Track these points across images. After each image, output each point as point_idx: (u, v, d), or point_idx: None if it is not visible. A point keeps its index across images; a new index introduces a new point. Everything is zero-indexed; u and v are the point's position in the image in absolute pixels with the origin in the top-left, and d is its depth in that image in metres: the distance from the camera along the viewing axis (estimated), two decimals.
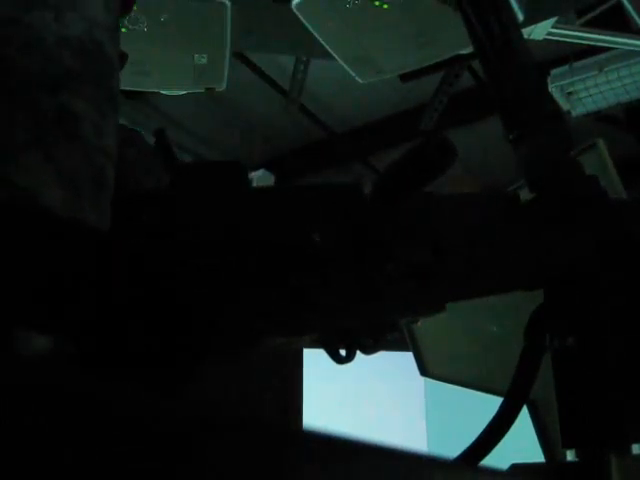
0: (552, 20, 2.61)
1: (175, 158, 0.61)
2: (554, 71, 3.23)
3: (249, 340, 0.56)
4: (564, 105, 3.27)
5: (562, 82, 3.20)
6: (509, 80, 0.74)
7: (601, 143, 1.10)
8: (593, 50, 3.13)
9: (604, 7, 2.75)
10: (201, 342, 0.52)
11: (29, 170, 0.47)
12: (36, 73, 0.50)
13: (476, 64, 3.33)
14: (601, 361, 0.69)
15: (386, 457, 0.29)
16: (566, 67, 3.20)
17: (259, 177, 4.33)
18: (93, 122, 0.52)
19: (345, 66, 2.12)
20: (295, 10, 1.86)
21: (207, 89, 2.21)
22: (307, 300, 0.57)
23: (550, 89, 3.21)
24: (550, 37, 2.72)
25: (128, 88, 2.22)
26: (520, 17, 1.84)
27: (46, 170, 0.47)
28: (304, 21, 1.90)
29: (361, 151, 4.57)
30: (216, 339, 0.53)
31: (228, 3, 1.89)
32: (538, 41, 2.63)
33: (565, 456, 0.71)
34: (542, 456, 1.19)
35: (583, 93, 3.21)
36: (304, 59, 3.46)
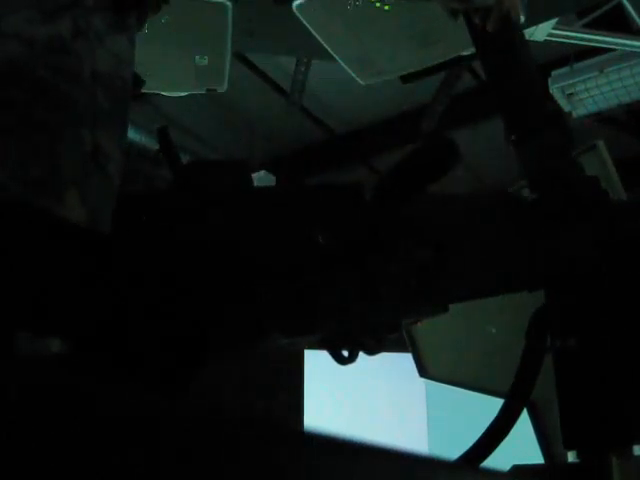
0: (553, 21, 2.60)
1: (178, 157, 0.61)
2: (555, 72, 3.23)
3: (252, 341, 0.56)
4: (565, 106, 3.26)
5: (563, 83, 3.19)
6: (511, 82, 0.75)
7: (601, 144, 1.10)
8: (594, 51, 3.13)
9: (605, 8, 2.75)
10: (203, 342, 0.51)
11: (67, 209, 0.47)
12: (81, 107, 0.50)
13: (477, 65, 3.33)
14: (602, 362, 0.69)
15: (388, 458, 0.29)
16: (567, 68, 3.20)
17: (260, 178, 4.33)
18: (117, 162, 0.52)
19: (346, 67, 2.12)
20: (296, 11, 1.86)
21: (208, 90, 2.21)
22: (310, 300, 0.57)
23: (551, 90, 3.21)
24: (551, 38, 2.72)
25: None
26: (521, 18, 1.84)
27: (81, 211, 0.48)
28: (305, 22, 1.90)
29: (362, 152, 4.57)
30: (219, 339, 0.53)
31: (229, 4, 1.89)
32: (539, 42, 2.62)
33: (564, 457, 0.71)
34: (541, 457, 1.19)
35: (584, 94, 3.21)
36: (305, 60, 3.46)
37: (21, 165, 0.46)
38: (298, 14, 1.87)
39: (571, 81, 3.18)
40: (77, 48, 0.51)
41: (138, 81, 0.60)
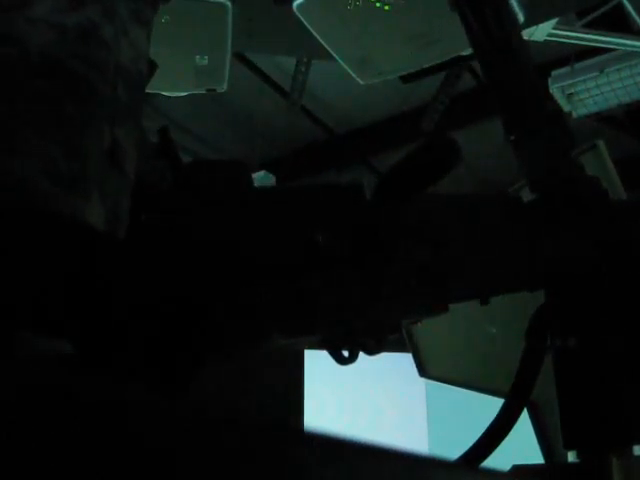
0: (553, 21, 2.61)
1: (178, 157, 0.61)
2: (555, 72, 3.23)
3: (252, 341, 0.56)
4: (565, 106, 3.26)
5: (563, 83, 3.19)
6: (509, 81, 0.74)
7: (602, 144, 1.10)
8: (594, 51, 3.13)
9: (605, 8, 2.75)
10: (203, 342, 0.52)
11: (91, 208, 0.46)
12: (104, 101, 0.49)
13: (477, 65, 3.33)
14: (602, 362, 0.69)
15: (388, 458, 0.29)
16: (567, 68, 3.20)
17: (260, 178, 4.34)
18: (133, 160, 0.51)
19: (346, 67, 2.12)
20: (296, 11, 1.86)
21: (208, 90, 2.21)
22: (310, 300, 0.57)
23: (551, 90, 3.21)
24: (551, 38, 2.72)
25: None
26: (521, 18, 1.84)
27: (99, 212, 0.47)
28: (305, 22, 1.90)
29: (362, 152, 4.58)
30: (219, 339, 0.53)
31: (229, 4, 1.89)
32: (539, 42, 2.63)
33: (564, 457, 0.71)
34: (541, 457, 1.19)
35: (584, 94, 3.21)
36: (305, 60, 3.46)
37: (51, 160, 0.45)
38: (298, 14, 1.87)
39: (571, 81, 3.18)
40: (106, 36, 0.50)
41: (150, 66, 0.59)
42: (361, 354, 0.64)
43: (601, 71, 3.11)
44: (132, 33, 0.53)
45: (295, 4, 1.84)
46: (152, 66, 0.59)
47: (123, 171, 0.50)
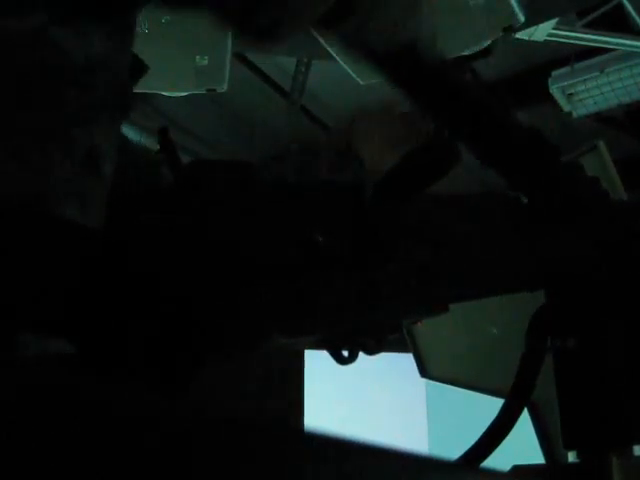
0: (553, 21, 2.61)
1: (178, 157, 0.61)
2: (555, 72, 3.23)
3: (252, 341, 0.56)
4: (565, 106, 3.26)
5: (563, 83, 3.19)
6: (474, 117, 0.70)
7: (602, 144, 1.10)
8: (594, 51, 3.13)
9: (605, 8, 2.75)
10: (203, 342, 0.51)
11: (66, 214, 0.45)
12: (71, 104, 0.46)
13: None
14: (602, 362, 0.69)
15: (388, 458, 0.29)
16: (567, 68, 3.20)
17: None
18: (112, 161, 0.49)
19: (346, 67, 2.12)
20: None
21: (208, 90, 2.21)
22: (310, 300, 0.57)
23: (551, 90, 3.21)
24: (551, 38, 2.72)
25: None
26: (521, 18, 1.84)
27: (75, 215, 0.46)
28: None
29: None
30: (219, 339, 0.53)
31: None
32: (539, 42, 2.63)
33: (564, 457, 0.71)
34: (542, 457, 1.19)
35: (584, 94, 3.21)
36: (305, 60, 3.46)
37: (13, 180, 0.43)
38: None
39: (571, 81, 3.18)
40: (61, 36, 0.46)
41: (140, 67, 0.56)
42: (361, 354, 0.64)
43: (601, 71, 3.10)
44: (101, 31, 0.49)
45: None
46: (143, 67, 0.57)
47: (101, 174, 0.48)
